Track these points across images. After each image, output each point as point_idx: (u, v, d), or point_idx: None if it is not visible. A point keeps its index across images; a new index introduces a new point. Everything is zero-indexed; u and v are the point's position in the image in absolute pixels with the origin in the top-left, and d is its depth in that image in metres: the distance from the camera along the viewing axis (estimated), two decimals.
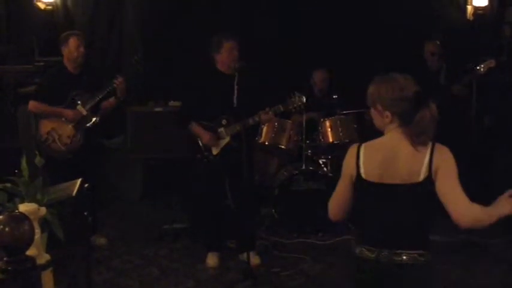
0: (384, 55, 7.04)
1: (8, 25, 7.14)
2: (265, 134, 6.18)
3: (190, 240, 5.88)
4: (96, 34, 7.32)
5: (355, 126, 6.29)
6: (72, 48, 5.51)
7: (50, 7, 7.11)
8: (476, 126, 5.66)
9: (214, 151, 5.26)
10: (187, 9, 7.34)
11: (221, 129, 5.21)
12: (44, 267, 2.55)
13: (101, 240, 5.78)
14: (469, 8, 7.38)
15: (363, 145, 2.78)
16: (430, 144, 2.70)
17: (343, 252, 5.16)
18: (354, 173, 2.75)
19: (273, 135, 6.19)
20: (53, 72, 5.79)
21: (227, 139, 5.21)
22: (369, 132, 6.79)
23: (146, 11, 7.44)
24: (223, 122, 5.21)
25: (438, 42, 6.60)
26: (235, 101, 5.04)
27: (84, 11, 7.28)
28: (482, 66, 5.89)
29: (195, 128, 5.24)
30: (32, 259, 2.39)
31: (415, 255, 2.69)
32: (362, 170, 2.72)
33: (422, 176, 2.65)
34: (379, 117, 2.79)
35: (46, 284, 2.54)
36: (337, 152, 6.29)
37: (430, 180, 2.66)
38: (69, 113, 5.53)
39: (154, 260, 5.49)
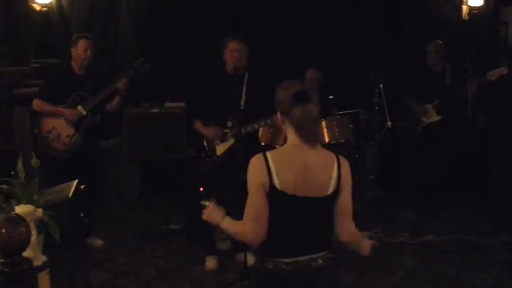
0: (380, 54, 7.07)
1: (4, 27, 7.13)
2: (261, 135, 6.17)
3: (186, 241, 5.89)
4: (91, 35, 7.30)
5: (351, 126, 6.30)
6: (80, 50, 5.58)
7: (45, 9, 7.10)
8: (471, 126, 5.67)
9: (218, 152, 5.24)
10: (183, 10, 7.34)
11: (226, 131, 5.21)
12: (40, 268, 2.55)
13: (98, 242, 5.78)
14: (464, 7, 7.41)
15: (268, 154, 2.75)
16: (334, 157, 2.79)
17: (339, 251, 5.18)
18: (267, 183, 2.71)
19: (270, 135, 6.19)
20: (59, 71, 5.86)
21: (231, 141, 5.19)
22: (364, 131, 6.86)
23: (141, 12, 7.44)
24: (229, 124, 5.19)
25: (440, 42, 6.60)
26: (242, 103, 5.02)
27: (79, 13, 7.28)
28: (494, 72, 5.88)
29: (199, 125, 5.23)
30: (28, 261, 2.39)
31: (327, 255, 2.79)
32: (276, 181, 2.69)
33: (331, 190, 2.74)
34: (280, 121, 2.86)
35: (42, 286, 2.54)
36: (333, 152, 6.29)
37: (337, 193, 2.76)
38: (67, 112, 5.57)
39: (151, 261, 5.49)
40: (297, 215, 2.73)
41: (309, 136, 2.73)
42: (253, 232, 2.74)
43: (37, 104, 5.61)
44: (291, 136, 2.78)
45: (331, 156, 2.80)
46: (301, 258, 2.74)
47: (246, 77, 5.10)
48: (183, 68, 7.16)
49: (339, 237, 2.84)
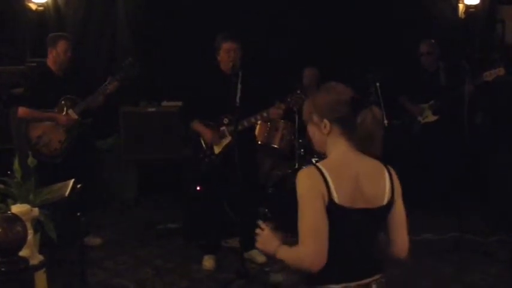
0: (377, 54, 7.07)
1: (0, 26, 7.12)
2: (258, 134, 6.18)
3: (184, 240, 5.88)
4: (88, 35, 7.30)
5: None
6: (60, 51, 5.47)
7: (41, 8, 7.09)
8: (468, 124, 5.67)
9: (216, 150, 5.25)
10: (180, 9, 7.34)
11: (223, 128, 5.21)
12: (37, 267, 2.56)
13: (95, 241, 5.77)
14: (460, 6, 7.41)
15: (320, 165, 2.43)
16: (382, 165, 2.53)
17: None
18: (327, 197, 2.37)
19: (266, 134, 6.20)
20: (38, 74, 5.71)
21: (229, 138, 5.20)
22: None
23: (138, 11, 7.43)
24: (225, 121, 5.20)
25: (433, 41, 6.61)
26: (238, 100, 5.01)
27: (75, 12, 7.26)
28: (490, 73, 5.88)
29: (197, 125, 5.24)
30: (25, 260, 2.39)
31: (380, 279, 2.52)
32: (335, 195, 2.37)
33: (386, 199, 2.48)
34: (316, 131, 2.54)
35: (39, 285, 2.54)
36: None
37: (392, 204, 2.50)
38: (62, 118, 5.48)
39: (148, 260, 5.48)
40: (353, 232, 2.44)
41: (376, 143, 2.48)
42: (314, 251, 2.35)
43: (24, 112, 5.47)
44: (339, 146, 2.49)
45: (379, 164, 2.53)
46: (352, 284, 2.45)
47: (240, 74, 5.08)
48: (180, 67, 7.15)
49: (399, 253, 2.57)
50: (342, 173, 2.41)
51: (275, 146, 6.25)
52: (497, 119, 6.89)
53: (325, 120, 2.49)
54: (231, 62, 5.07)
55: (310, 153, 6.43)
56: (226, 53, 5.13)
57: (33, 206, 2.71)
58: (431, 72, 6.58)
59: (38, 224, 2.72)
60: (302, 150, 6.34)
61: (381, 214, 2.49)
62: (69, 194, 3.07)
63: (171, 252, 5.66)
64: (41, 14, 7.11)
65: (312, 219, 2.37)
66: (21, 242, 2.34)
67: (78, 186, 3.23)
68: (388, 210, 2.50)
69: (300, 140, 6.27)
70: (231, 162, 4.98)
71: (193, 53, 7.04)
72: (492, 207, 6.07)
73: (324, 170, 2.39)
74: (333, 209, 2.36)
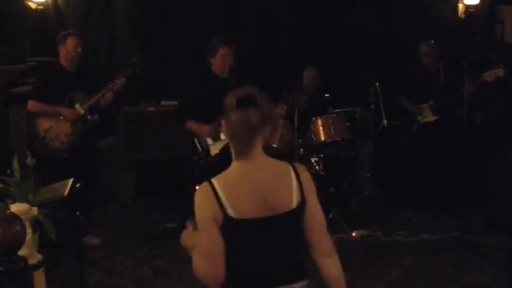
0: (377, 54, 7.07)
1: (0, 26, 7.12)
2: None
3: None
4: (88, 34, 7.29)
5: (347, 124, 6.30)
6: (70, 47, 5.57)
7: (41, 7, 7.08)
8: (468, 124, 5.67)
9: (213, 152, 5.23)
10: (179, 8, 7.33)
11: (220, 131, 5.20)
12: (35, 267, 2.55)
13: (94, 240, 5.77)
14: (460, 6, 7.41)
15: (214, 181, 2.41)
16: (289, 166, 2.47)
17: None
18: (220, 215, 2.32)
19: None
20: (50, 70, 5.83)
21: (226, 140, 5.19)
22: (360, 130, 6.83)
23: (138, 10, 7.42)
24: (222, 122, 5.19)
25: (433, 42, 6.60)
26: None
27: (75, 11, 7.26)
28: (490, 74, 5.87)
29: (192, 124, 5.22)
30: (23, 259, 2.39)
31: (306, 286, 2.46)
32: (230, 210, 2.32)
33: (296, 202, 2.40)
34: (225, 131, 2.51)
35: (38, 284, 2.54)
36: (329, 151, 6.31)
37: (303, 206, 2.41)
38: (67, 112, 5.56)
39: (147, 260, 5.47)
40: (264, 241, 2.38)
41: (241, 145, 2.41)
42: (206, 272, 2.35)
43: (33, 105, 5.57)
44: (233, 153, 2.47)
45: (284, 165, 2.47)
46: None
47: (232, 76, 5.05)
48: (179, 66, 7.14)
49: (321, 256, 2.48)
50: (239, 185, 2.37)
51: (275, 146, 6.24)
52: (497, 119, 6.88)
53: (223, 121, 2.46)
54: (226, 67, 5.07)
55: (310, 153, 6.44)
56: (223, 59, 5.12)
57: (32, 205, 2.71)
58: (432, 73, 6.57)
59: (37, 224, 2.71)
60: (302, 149, 6.35)
61: (292, 218, 2.40)
62: (68, 194, 3.07)
63: (169, 252, 5.65)
64: (40, 13, 7.11)
65: (204, 242, 2.34)
66: (20, 241, 2.34)
67: (77, 185, 3.22)
68: (300, 212, 2.42)
69: (300, 140, 6.27)
70: (229, 163, 4.97)
71: (191, 49, 7.03)
72: (492, 207, 6.07)
73: (217, 186, 2.36)
74: (230, 224, 2.32)
